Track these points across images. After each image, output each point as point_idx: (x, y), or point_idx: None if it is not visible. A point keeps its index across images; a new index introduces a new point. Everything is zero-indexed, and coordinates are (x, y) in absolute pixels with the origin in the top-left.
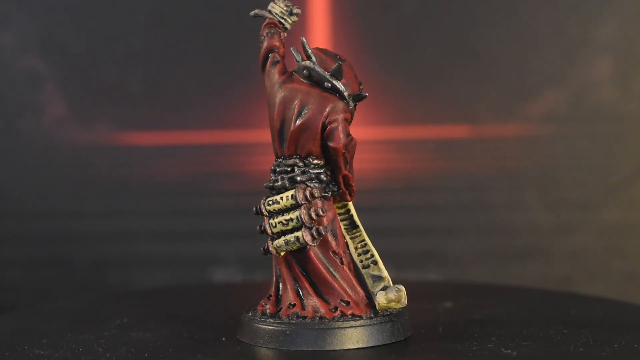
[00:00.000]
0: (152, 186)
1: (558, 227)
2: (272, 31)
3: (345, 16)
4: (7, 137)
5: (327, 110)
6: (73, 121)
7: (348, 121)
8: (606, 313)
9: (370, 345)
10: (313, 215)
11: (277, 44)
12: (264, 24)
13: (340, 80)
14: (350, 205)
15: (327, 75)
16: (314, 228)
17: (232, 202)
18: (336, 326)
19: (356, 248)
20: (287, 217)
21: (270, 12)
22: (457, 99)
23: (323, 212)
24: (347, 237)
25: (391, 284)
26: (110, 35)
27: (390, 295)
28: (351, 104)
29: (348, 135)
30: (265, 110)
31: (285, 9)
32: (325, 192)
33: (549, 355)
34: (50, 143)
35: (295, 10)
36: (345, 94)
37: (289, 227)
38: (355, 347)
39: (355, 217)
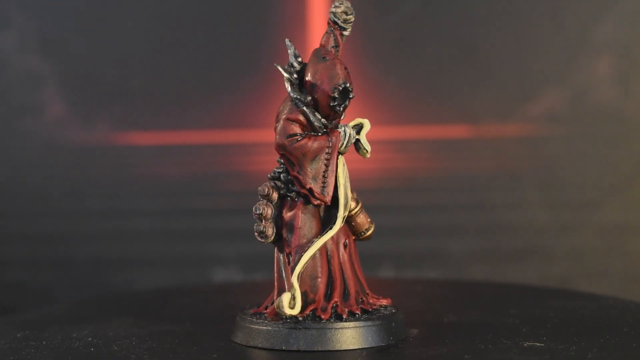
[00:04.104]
0: (152, 186)
1: (558, 227)
2: (327, 31)
3: None
4: (7, 137)
5: (279, 110)
6: (73, 121)
7: (297, 122)
8: (607, 311)
9: (365, 346)
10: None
11: (323, 42)
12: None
13: (291, 82)
14: (341, 208)
15: (285, 77)
16: (258, 226)
17: (232, 202)
18: (324, 327)
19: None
20: None
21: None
22: (457, 99)
23: (258, 211)
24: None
25: (292, 293)
26: (110, 35)
27: (277, 302)
28: (299, 105)
29: (289, 136)
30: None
31: (339, 10)
32: (289, 193)
33: (551, 354)
34: (50, 143)
35: (333, 9)
36: (292, 95)
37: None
38: (346, 348)
39: (338, 222)
